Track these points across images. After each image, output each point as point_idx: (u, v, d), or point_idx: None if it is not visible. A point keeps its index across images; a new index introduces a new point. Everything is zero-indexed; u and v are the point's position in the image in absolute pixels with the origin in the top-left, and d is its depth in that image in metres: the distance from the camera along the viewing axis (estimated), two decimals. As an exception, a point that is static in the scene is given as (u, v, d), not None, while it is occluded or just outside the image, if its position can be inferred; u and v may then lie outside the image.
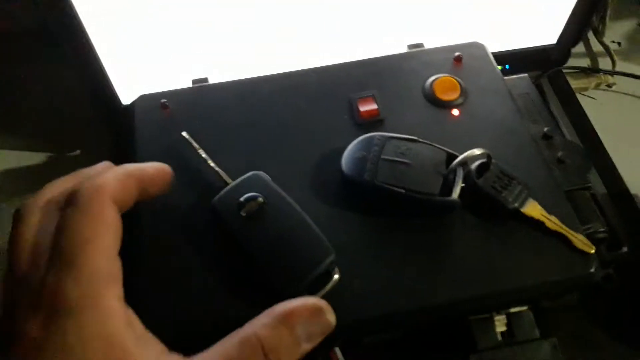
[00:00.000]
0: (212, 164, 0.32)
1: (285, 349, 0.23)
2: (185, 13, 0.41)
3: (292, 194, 0.32)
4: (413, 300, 0.29)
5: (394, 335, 0.35)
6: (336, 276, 0.29)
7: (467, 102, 0.38)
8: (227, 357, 0.22)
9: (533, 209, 0.32)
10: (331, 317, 0.25)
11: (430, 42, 0.42)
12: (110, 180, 0.24)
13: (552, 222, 0.31)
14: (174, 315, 0.28)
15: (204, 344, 0.24)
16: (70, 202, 0.23)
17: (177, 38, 0.43)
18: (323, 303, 0.25)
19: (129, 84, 0.46)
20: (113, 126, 0.47)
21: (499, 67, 0.51)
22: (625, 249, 0.41)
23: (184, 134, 0.34)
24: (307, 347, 0.23)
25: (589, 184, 0.37)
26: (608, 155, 0.47)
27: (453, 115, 0.37)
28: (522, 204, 0.32)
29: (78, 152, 0.54)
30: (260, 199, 0.30)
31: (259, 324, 0.23)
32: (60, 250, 0.22)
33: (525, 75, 0.42)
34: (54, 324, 0.21)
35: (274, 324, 0.23)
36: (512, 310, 0.33)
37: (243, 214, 0.30)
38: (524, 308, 0.33)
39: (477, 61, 0.40)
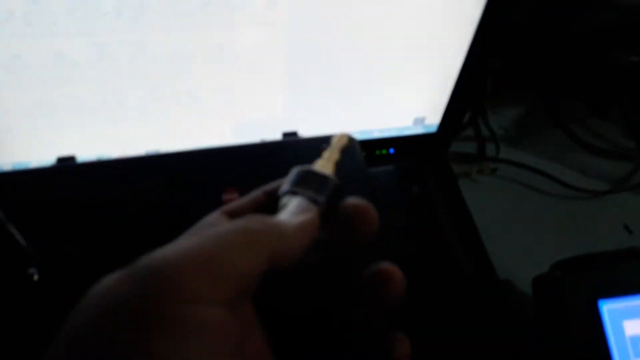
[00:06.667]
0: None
1: None
2: (49, 87, 0.41)
3: None
4: None
5: None
6: None
7: (329, 194, 0.38)
8: None
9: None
10: None
11: (320, 130, 0.43)
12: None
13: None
14: None
15: None
16: None
17: (45, 113, 0.42)
18: None
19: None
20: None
21: (384, 151, 0.53)
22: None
23: None
24: None
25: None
26: (482, 242, 0.49)
27: (313, 206, 0.38)
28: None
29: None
30: None
31: None
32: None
33: (391, 167, 0.43)
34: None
35: None
36: None
37: None
38: None
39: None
